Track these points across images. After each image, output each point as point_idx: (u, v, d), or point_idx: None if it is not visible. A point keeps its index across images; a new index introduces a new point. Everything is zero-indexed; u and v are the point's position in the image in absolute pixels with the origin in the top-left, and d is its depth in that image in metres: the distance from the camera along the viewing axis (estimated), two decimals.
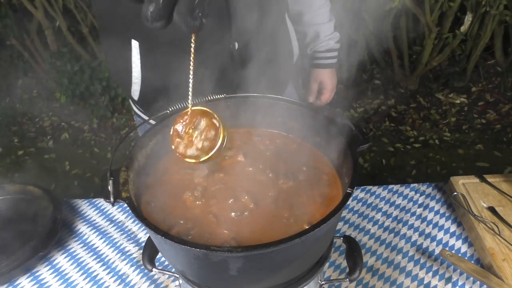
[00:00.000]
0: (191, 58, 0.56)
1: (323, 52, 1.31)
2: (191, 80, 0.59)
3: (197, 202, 0.70)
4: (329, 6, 1.27)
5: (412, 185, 1.24)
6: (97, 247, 1.10)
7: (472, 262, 0.98)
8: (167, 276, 1.02)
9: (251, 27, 0.98)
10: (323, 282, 0.80)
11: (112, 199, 0.61)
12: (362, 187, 1.24)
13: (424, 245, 1.06)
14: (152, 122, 0.81)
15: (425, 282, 0.97)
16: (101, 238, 1.12)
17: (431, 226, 1.11)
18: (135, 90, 1.09)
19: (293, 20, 1.22)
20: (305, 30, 1.29)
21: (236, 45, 0.99)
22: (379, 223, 1.12)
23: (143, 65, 1.03)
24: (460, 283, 0.96)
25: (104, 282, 1.01)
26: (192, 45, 0.53)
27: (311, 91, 1.39)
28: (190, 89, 0.61)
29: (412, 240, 1.07)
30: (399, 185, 1.24)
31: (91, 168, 2.86)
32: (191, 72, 0.58)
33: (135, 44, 1.01)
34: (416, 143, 2.90)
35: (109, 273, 1.04)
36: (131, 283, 1.01)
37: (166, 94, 0.90)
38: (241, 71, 1.02)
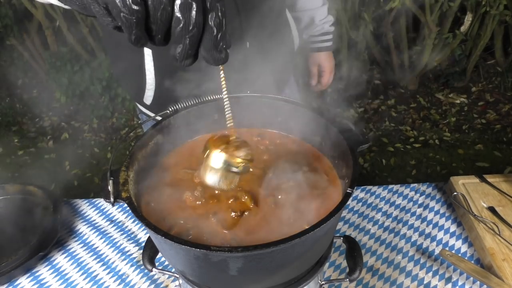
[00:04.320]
0: (223, 87, 0.56)
1: (319, 36, 1.35)
2: (227, 106, 0.60)
3: (197, 202, 0.70)
4: None
5: (412, 185, 1.24)
6: (97, 247, 1.10)
7: (472, 262, 0.98)
8: (167, 276, 1.02)
9: (258, 24, 0.99)
10: (323, 282, 0.80)
11: (112, 199, 0.61)
12: (362, 187, 1.24)
13: (424, 245, 1.06)
14: (158, 118, 0.81)
15: (425, 282, 0.97)
16: (101, 238, 1.12)
17: (431, 226, 1.11)
18: (149, 96, 1.11)
19: (287, 6, 1.23)
20: (300, 15, 1.32)
21: (248, 44, 1.00)
22: (379, 223, 1.12)
23: (157, 71, 1.04)
24: (460, 283, 0.96)
25: (104, 282, 1.01)
26: (222, 75, 0.54)
27: (311, 74, 1.44)
28: (229, 115, 0.61)
29: (412, 240, 1.07)
30: (399, 185, 1.24)
31: (91, 168, 2.86)
32: (226, 100, 0.59)
33: (147, 52, 1.02)
34: (416, 143, 2.90)
35: (109, 273, 1.04)
36: (131, 283, 1.01)
37: (181, 97, 0.91)
38: (253, 68, 1.04)
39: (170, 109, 0.77)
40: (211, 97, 0.79)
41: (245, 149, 0.61)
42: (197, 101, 0.79)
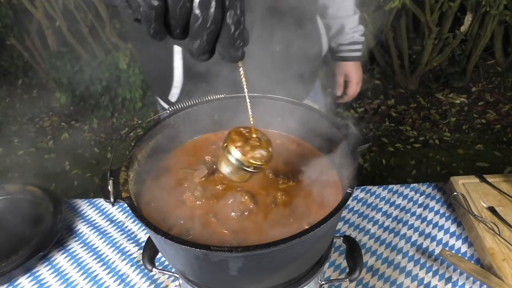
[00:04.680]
0: (244, 84, 0.57)
1: (348, 44, 1.32)
2: (248, 105, 0.60)
3: (197, 202, 0.70)
4: (354, 0, 1.27)
5: (412, 185, 1.24)
6: (97, 247, 1.10)
7: (472, 262, 0.98)
8: (167, 276, 1.02)
9: (289, 28, 1.00)
10: (323, 282, 0.80)
11: (112, 199, 0.61)
12: (362, 187, 1.24)
13: (424, 245, 1.06)
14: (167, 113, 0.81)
15: (425, 282, 0.97)
16: (101, 238, 1.12)
17: (431, 226, 1.11)
18: (175, 93, 1.12)
19: (318, 13, 1.22)
20: (330, 23, 1.29)
21: (278, 48, 1.01)
22: (379, 223, 1.12)
23: (185, 70, 1.05)
24: (460, 283, 0.96)
25: (104, 282, 1.01)
26: (242, 71, 0.55)
27: (337, 84, 1.40)
28: (250, 114, 0.61)
29: (412, 240, 1.07)
30: (399, 185, 1.24)
31: (91, 168, 2.86)
32: (248, 100, 0.59)
33: (177, 50, 1.02)
34: (416, 143, 2.90)
35: (109, 273, 1.04)
36: (131, 283, 1.01)
37: (207, 95, 0.92)
38: (281, 71, 1.04)
39: (170, 109, 0.77)
40: (211, 97, 0.79)
41: (262, 151, 0.61)
42: (197, 101, 0.79)
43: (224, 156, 0.62)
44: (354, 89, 1.39)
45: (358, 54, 1.34)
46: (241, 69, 0.54)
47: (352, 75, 1.36)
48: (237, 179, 0.63)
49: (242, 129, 0.64)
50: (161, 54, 1.07)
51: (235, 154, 0.60)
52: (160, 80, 1.14)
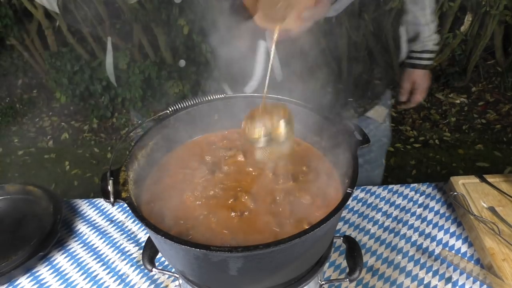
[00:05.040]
0: (272, 50, 0.60)
1: (420, 52, 1.32)
2: (268, 73, 0.64)
3: (197, 202, 0.70)
4: (433, 8, 1.26)
5: (412, 185, 1.24)
6: (97, 247, 1.10)
7: (472, 262, 0.98)
8: (167, 276, 1.02)
9: (377, 36, 1.00)
10: (323, 282, 0.80)
11: (112, 199, 0.62)
12: (362, 187, 1.24)
13: (424, 245, 1.06)
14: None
15: (425, 282, 0.97)
16: (101, 238, 1.12)
17: (431, 226, 1.11)
18: (251, 85, 1.13)
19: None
20: (407, 28, 1.29)
21: (365, 53, 1.02)
22: (379, 223, 1.12)
23: (266, 65, 1.06)
24: (460, 283, 0.96)
25: (104, 282, 1.01)
26: (275, 37, 0.56)
27: (403, 90, 1.41)
28: (266, 83, 0.65)
29: (412, 240, 1.07)
30: (399, 185, 1.24)
31: (91, 168, 2.86)
32: (270, 67, 0.63)
33: (263, 44, 1.02)
34: (416, 143, 2.90)
35: (109, 273, 1.04)
36: (131, 283, 1.01)
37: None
38: (362, 75, 1.04)
39: (170, 109, 0.77)
40: (211, 97, 0.79)
41: (259, 125, 0.66)
42: (197, 101, 0.79)
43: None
44: (419, 96, 1.38)
45: (429, 62, 1.32)
46: (275, 35, 0.56)
47: (420, 83, 1.35)
48: (264, 158, 0.69)
49: (250, 114, 0.68)
50: (245, 49, 1.08)
51: (244, 136, 0.66)
52: (239, 73, 1.15)
